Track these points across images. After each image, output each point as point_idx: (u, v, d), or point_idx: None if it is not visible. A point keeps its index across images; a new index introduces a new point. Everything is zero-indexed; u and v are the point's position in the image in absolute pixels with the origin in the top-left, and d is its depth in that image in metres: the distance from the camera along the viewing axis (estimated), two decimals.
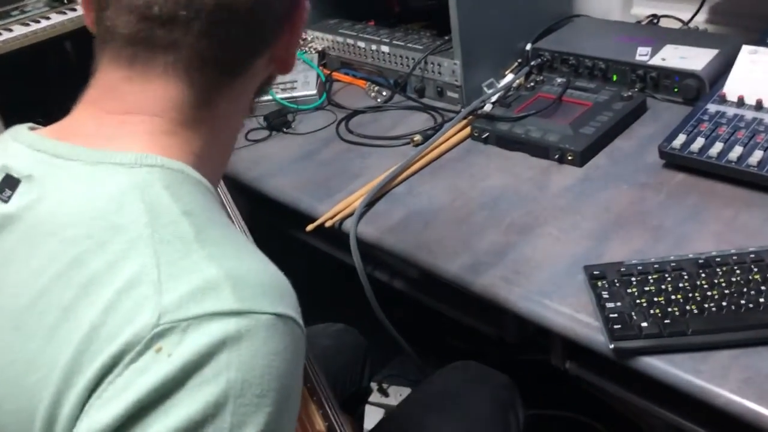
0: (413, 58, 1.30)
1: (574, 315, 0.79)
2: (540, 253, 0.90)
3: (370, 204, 1.04)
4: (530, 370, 1.14)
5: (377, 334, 1.02)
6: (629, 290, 0.79)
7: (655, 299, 0.77)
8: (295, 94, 1.34)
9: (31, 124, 0.57)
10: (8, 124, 0.60)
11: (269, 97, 1.32)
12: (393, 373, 1.66)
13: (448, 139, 1.17)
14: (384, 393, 1.66)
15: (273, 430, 0.44)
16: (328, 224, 1.01)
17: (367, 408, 1.63)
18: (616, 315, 0.76)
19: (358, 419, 1.12)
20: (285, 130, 1.29)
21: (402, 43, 1.34)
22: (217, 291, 0.45)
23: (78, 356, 0.45)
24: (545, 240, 0.92)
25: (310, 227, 1.02)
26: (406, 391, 1.65)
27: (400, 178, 1.09)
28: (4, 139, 0.56)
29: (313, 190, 1.10)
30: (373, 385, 1.67)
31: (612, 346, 0.74)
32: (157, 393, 0.42)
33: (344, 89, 1.41)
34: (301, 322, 0.49)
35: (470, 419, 0.93)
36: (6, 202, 0.51)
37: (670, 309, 0.75)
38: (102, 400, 0.43)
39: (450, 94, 1.28)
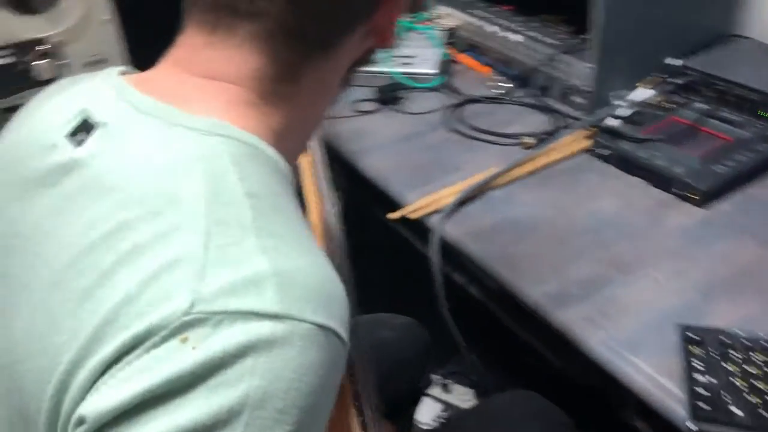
0: (544, 53, 1.21)
1: (656, 378, 0.71)
2: (635, 297, 0.81)
3: (462, 203, 0.97)
4: (594, 412, 1.05)
5: (446, 334, 0.97)
6: (727, 365, 0.69)
7: (757, 384, 0.67)
8: (412, 69, 1.28)
9: (123, 68, 0.55)
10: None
11: (386, 69, 1.27)
12: (458, 370, 1.61)
13: (563, 148, 1.08)
14: (446, 389, 1.62)
15: None
16: (411, 216, 0.96)
17: (426, 400, 1.60)
18: (705, 391, 0.67)
19: (407, 420, 1.08)
20: (394, 106, 1.24)
21: (535, 35, 1.24)
22: (261, 288, 0.41)
23: (104, 326, 0.42)
24: (645, 283, 0.83)
25: (392, 215, 0.98)
26: (467, 392, 1.60)
27: (501, 181, 1.02)
28: (96, 80, 0.54)
29: (407, 175, 1.05)
30: (437, 378, 1.62)
31: (692, 426, 0.65)
32: (170, 386, 0.39)
33: (465, 73, 1.34)
34: (345, 336, 0.44)
35: None
36: (78, 145, 0.49)
37: None
38: (115, 379, 0.41)
39: (575, 98, 1.18)
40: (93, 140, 0.49)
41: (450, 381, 1.62)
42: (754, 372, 0.68)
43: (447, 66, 1.32)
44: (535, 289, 0.83)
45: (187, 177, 0.45)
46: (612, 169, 1.04)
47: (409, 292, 1.21)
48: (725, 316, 0.77)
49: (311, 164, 0.88)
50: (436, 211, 0.96)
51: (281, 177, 0.50)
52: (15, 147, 0.53)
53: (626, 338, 0.75)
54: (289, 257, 0.44)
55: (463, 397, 1.59)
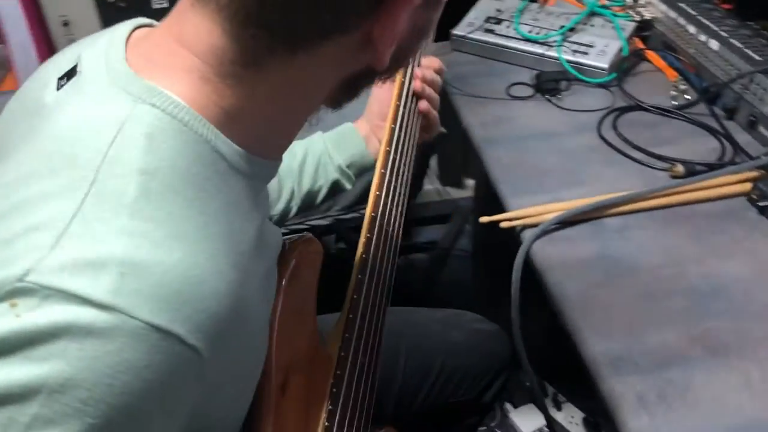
0: (741, 68, 1.01)
1: None
2: (709, 390, 0.67)
3: (564, 224, 0.87)
4: None
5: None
6: None
7: None
8: (583, 60, 1.15)
9: (139, 22, 0.54)
10: None
11: (554, 54, 1.16)
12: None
13: (717, 187, 0.91)
14: (556, 405, 1.51)
15: None
16: (503, 225, 0.88)
17: (532, 410, 1.51)
18: None
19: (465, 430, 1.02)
20: (549, 97, 1.12)
21: (738, 45, 1.04)
22: (99, 273, 0.39)
23: None
24: (732, 376, 0.68)
25: (483, 219, 0.90)
26: (577, 415, 1.48)
27: (622, 209, 0.89)
28: (109, 30, 0.54)
29: (523, 178, 0.96)
30: (551, 390, 1.52)
31: None
32: None
33: (647, 74, 1.17)
34: (200, 345, 0.41)
35: None
36: (58, 89, 0.49)
37: None
38: None
39: (763, 130, 0.98)
40: (66, 87, 0.49)
41: (563, 398, 1.51)
42: None
43: (624, 63, 1.16)
44: (598, 344, 0.72)
45: (94, 141, 0.43)
46: (766, 225, 0.85)
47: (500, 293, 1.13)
48: None
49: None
50: (533, 225, 0.87)
51: (213, 159, 0.46)
52: (35, 78, 0.55)
53: None
54: (155, 247, 0.40)
55: (571, 419, 1.48)
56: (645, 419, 0.65)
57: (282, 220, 0.88)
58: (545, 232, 0.86)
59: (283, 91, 0.47)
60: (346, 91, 0.52)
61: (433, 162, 2.01)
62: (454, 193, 2.01)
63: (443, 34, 1.28)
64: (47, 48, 1.17)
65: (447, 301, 1.10)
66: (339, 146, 0.91)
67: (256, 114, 0.48)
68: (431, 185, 1.94)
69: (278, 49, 0.45)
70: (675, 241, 0.84)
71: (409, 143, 0.82)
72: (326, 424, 0.64)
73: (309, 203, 0.89)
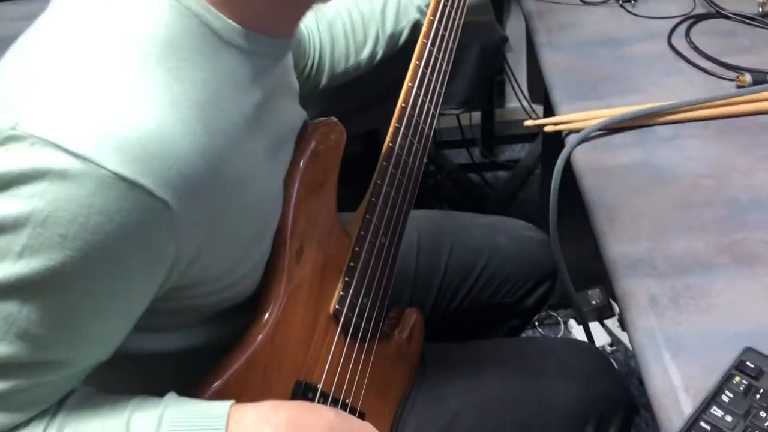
0: None
1: (675, 388, 0.59)
2: (728, 297, 0.66)
3: (612, 130, 0.85)
4: None
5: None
6: (762, 413, 0.55)
7: None
8: None
9: None
10: None
11: None
12: None
13: None
14: (622, 324, 1.50)
15: (72, 274, 0.45)
16: (547, 129, 0.87)
17: (598, 327, 1.51)
18: (708, 427, 0.55)
19: (507, 333, 1.04)
20: (623, 3, 1.07)
21: None
22: (78, 126, 0.43)
23: None
24: (754, 284, 0.66)
25: (528, 122, 0.89)
26: None
27: (675, 117, 0.85)
28: None
29: (578, 83, 0.94)
30: (617, 308, 1.51)
31: None
32: None
33: None
34: (165, 196, 0.45)
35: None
36: None
37: None
38: None
39: None
40: None
41: None
42: None
43: None
44: (620, 247, 0.72)
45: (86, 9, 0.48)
46: None
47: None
48: None
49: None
50: (578, 131, 0.86)
51: (202, 32, 0.49)
52: None
53: (677, 336, 0.63)
54: (129, 107, 0.45)
55: None
56: (652, 319, 0.65)
57: (370, 63, 0.90)
58: (589, 138, 0.85)
59: None
60: None
61: (523, 77, 1.97)
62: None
63: None
64: None
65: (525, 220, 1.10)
66: None
67: None
68: (519, 102, 1.90)
69: None
70: (725, 151, 0.81)
71: (450, 36, 0.82)
72: (341, 293, 0.69)
73: (393, 45, 0.91)
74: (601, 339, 1.51)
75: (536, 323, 1.56)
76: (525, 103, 1.89)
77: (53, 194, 0.43)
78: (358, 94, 1.01)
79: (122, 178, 0.44)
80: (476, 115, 2.01)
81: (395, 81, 0.78)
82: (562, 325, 1.56)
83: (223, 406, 0.53)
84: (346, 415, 0.59)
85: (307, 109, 0.71)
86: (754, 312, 0.64)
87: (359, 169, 0.87)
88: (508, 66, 1.88)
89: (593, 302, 1.51)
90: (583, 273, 1.36)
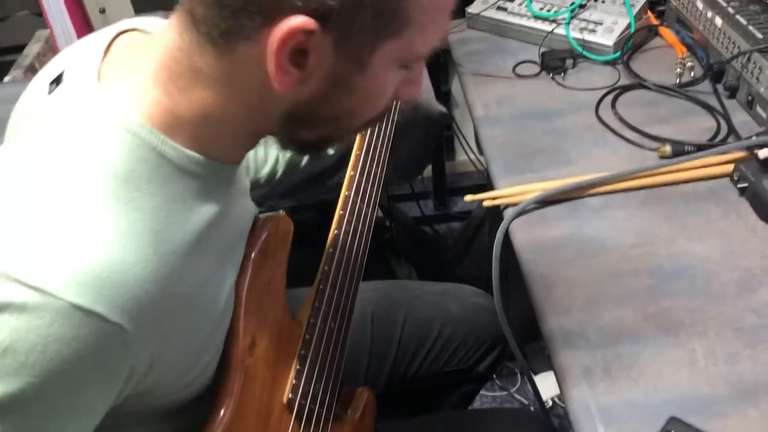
0: (740, 47, 1.01)
1: None
2: (655, 366, 0.71)
3: (546, 203, 0.91)
4: None
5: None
6: None
7: None
8: (590, 38, 1.16)
9: (124, 26, 0.61)
10: None
11: (562, 32, 1.17)
12: None
13: (703, 168, 0.92)
14: None
15: (31, 398, 0.47)
16: (486, 204, 0.93)
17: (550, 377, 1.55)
18: None
19: (459, 402, 1.08)
20: (554, 76, 1.15)
21: (743, 22, 1.03)
22: (37, 260, 0.46)
23: None
24: (678, 354, 0.72)
25: (468, 198, 0.95)
26: None
27: (603, 189, 0.92)
28: (94, 36, 0.61)
29: (513, 156, 1.00)
30: None
31: None
32: None
33: (657, 51, 1.18)
34: (120, 320, 0.48)
35: None
36: (49, 94, 0.57)
37: None
38: None
39: (760, 111, 0.98)
40: (55, 92, 0.57)
41: None
42: None
43: (630, 40, 1.16)
44: (555, 319, 0.77)
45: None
46: (745, 208, 0.87)
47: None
48: (743, 430, 0.64)
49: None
50: (515, 204, 0.91)
51: (157, 163, 0.53)
52: (36, 81, 0.64)
53: (609, 406, 0.68)
54: (85, 240, 0.48)
55: None
56: (585, 390, 0.70)
57: (269, 181, 0.93)
58: (524, 211, 0.90)
59: (217, 89, 0.53)
60: (301, 131, 0.58)
61: (470, 131, 2.04)
62: None
63: (460, 11, 1.31)
64: (87, 32, 1.27)
65: (478, 270, 1.13)
66: None
67: (201, 115, 0.54)
68: (467, 155, 1.97)
69: (207, 43, 0.50)
70: (650, 221, 0.87)
71: (386, 124, 0.87)
72: (294, 382, 0.72)
73: (293, 168, 0.93)
74: (556, 388, 1.55)
75: (494, 375, 1.60)
76: (473, 156, 1.96)
77: (13, 326, 0.46)
78: (304, 171, 1.05)
79: (78, 308, 0.46)
80: (427, 169, 2.07)
81: (340, 158, 0.82)
82: (518, 375, 1.60)
83: None
84: None
85: (255, 190, 0.74)
86: (679, 380, 0.69)
87: (312, 233, 0.90)
88: (455, 122, 1.95)
89: (546, 352, 1.55)
90: (536, 324, 1.40)
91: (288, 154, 0.92)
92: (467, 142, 1.93)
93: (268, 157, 0.91)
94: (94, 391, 0.51)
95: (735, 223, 0.85)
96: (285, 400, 0.71)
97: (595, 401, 0.68)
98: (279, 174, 0.92)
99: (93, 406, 0.52)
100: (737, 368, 0.69)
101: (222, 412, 0.65)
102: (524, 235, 0.88)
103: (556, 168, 0.97)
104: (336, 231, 0.80)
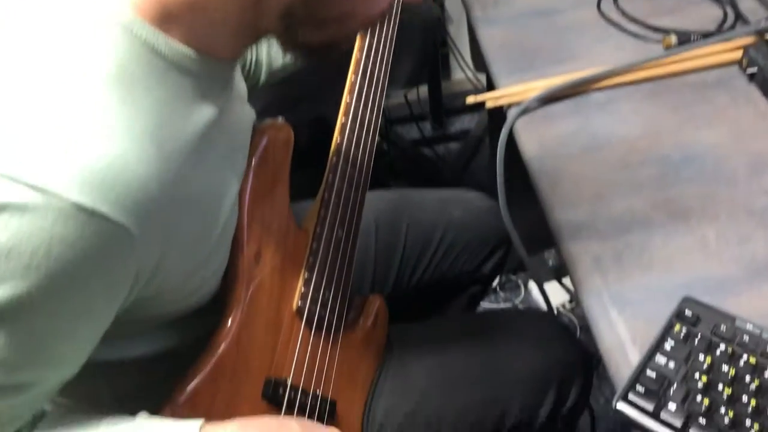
0: None
1: (623, 342, 0.64)
2: (667, 252, 0.70)
3: (551, 100, 0.89)
4: None
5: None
6: (701, 356, 0.59)
7: (721, 386, 0.57)
8: None
9: None
10: None
11: None
12: None
13: (708, 56, 0.90)
14: None
15: (37, 301, 0.46)
16: (488, 105, 0.90)
17: (556, 286, 1.56)
18: (653, 375, 0.59)
19: (464, 306, 1.08)
20: None
21: None
22: (36, 159, 0.45)
23: None
24: (690, 240, 0.71)
25: (470, 99, 0.92)
26: None
27: (608, 82, 0.89)
28: None
29: (515, 56, 0.97)
30: None
31: (615, 404, 0.59)
32: None
33: None
34: (124, 221, 0.47)
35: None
36: None
37: (725, 410, 0.56)
38: None
39: None
40: None
41: None
42: (728, 374, 0.57)
43: None
44: (563, 212, 0.76)
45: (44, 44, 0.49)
46: (754, 93, 0.85)
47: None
48: (758, 306, 0.64)
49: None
50: (518, 104, 0.89)
51: (149, 59, 0.50)
52: None
53: (621, 292, 0.67)
54: (83, 138, 0.46)
55: None
56: (597, 279, 0.69)
57: (253, 87, 0.89)
58: (528, 110, 0.88)
59: None
60: (301, 31, 0.55)
61: (466, 48, 1.99)
62: None
63: None
64: None
65: (479, 189, 1.12)
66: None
67: (192, 5, 0.51)
68: (464, 73, 1.93)
69: None
70: (657, 112, 0.85)
71: (389, 23, 0.84)
72: (302, 290, 0.71)
73: (277, 72, 0.90)
74: (560, 297, 1.56)
75: (497, 288, 1.61)
76: (470, 74, 1.92)
77: (14, 227, 0.44)
78: (302, 83, 1.02)
79: (81, 208, 0.45)
80: (424, 90, 2.03)
81: (339, 69, 0.79)
82: (522, 287, 1.61)
83: (192, 430, 0.54)
84: (312, 425, 0.61)
85: (253, 102, 0.72)
86: (691, 263, 0.69)
87: (313, 154, 0.88)
88: (451, 39, 1.90)
89: (550, 262, 1.56)
90: (538, 234, 1.40)
91: (272, 59, 0.90)
92: (463, 59, 1.89)
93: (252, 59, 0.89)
94: (101, 295, 0.50)
95: (744, 110, 0.83)
96: (294, 307, 0.71)
97: (607, 288, 0.68)
98: (262, 79, 0.89)
99: (100, 310, 0.52)
100: (750, 249, 0.69)
101: (230, 321, 0.64)
102: (529, 133, 0.86)
103: (558, 66, 0.94)
104: (339, 139, 0.78)
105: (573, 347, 0.90)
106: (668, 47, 0.92)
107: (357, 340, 0.80)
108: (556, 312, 1.55)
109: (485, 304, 1.59)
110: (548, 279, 1.56)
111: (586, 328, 1.52)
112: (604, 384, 1.42)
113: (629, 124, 0.84)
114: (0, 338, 0.48)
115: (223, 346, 0.63)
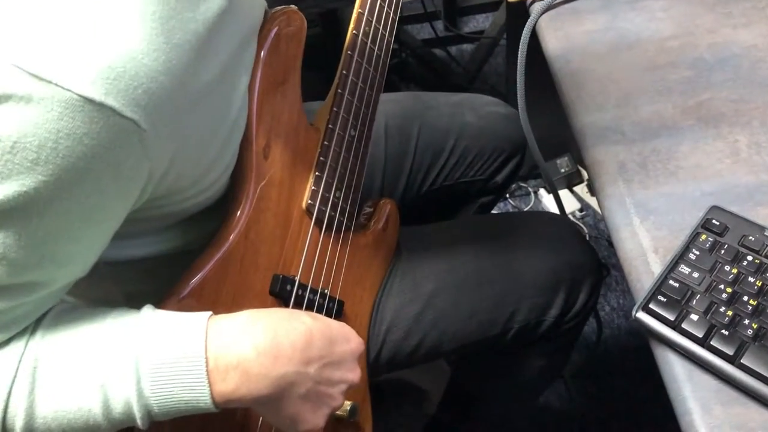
0: None
1: (645, 250, 0.61)
2: (695, 158, 0.67)
3: None
4: None
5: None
6: (727, 266, 0.57)
7: (745, 298, 0.55)
8: None
9: None
10: None
11: None
12: None
13: None
14: (592, 190, 1.53)
15: (46, 198, 0.44)
16: None
17: (568, 194, 1.54)
18: (675, 284, 0.57)
19: (479, 210, 1.06)
20: None
21: None
22: (41, 49, 0.42)
23: None
24: (720, 145, 0.67)
25: None
26: None
27: None
28: None
29: None
30: (586, 174, 1.54)
31: (635, 313, 0.57)
32: None
33: None
34: (133, 116, 0.44)
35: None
36: None
37: (749, 322, 0.54)
38: None
39: None
40: None
41: None
42: (754, 285, 0.55)
43: None
44: (587, 116, 0.72)
45: None
46: None
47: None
48: None
49: None
50: None
51: None
52: None
53: (645, 200, 0.65)
54: (89, 28, 0.43)
55: None
56: (621, 185, 0.66)
57: None
58: (553, 5, 0.83)
59: None
60: None
61: None
62: None
63: None
64: None
65: (491, 93, 1.07)
66: None
67: None
68: None
69: None
70: (690, 10, 0.80)
71: None
72: (313, 188, 0.69)
73: None
74: (571, 205, 1.54)
75: (507, 195, 1.59)
76: None
77: (19, 119, 0.41)
78: None
79: (89, 100, 0.42)
80: None
81: None
82: (532, 195, 1.59)
83: (201, 321, 0.53)
84: (323, 318, 0.60)
85: None
86: (720, 171, 0.66)
87: (319, 54, 0.84)
88: None
89: (562, 170, 1.53)
90: (550, 142, 1.37)
91: None
92: None
93: None
94: (112, 193, 0.47)
95: None
96: (304, 205, 0.68)
97: (630, 195, 0.65)
98: None
99: (111, 208, 0.49)
100: None
101: (239, 213, 0.62)
102: (553, 31, 0.81)
103: None
104: (354, 31, 0.73)
105: (584, 250, 0.88)
106: None
107: (367, 242, 0.78)
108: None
109: (494, 211, 1.57)
110: (560, 187, 1.54)
111: (595, 238, 1.51)
112: (610, 294, 1.43)
113: (660, 23, 0.79)
114: (8, 237, 0.46)
115: (230, 239, 0.61)
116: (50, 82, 0.41)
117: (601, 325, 1.11)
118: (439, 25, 1.99)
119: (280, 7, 0.66)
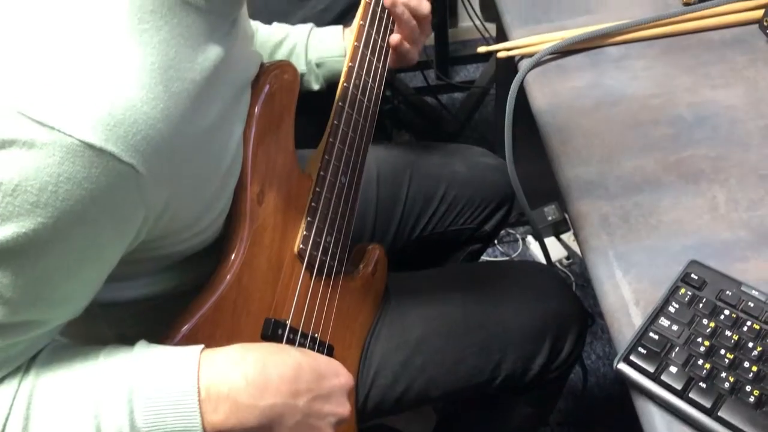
0: None
1: (626, 303, 0.63)
2: (675, 213, 0.69)
3: (564, 53, 0.86)
4: None
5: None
6: (705, 320, 0.59)
7: (723, 352, 0.57)
8: None
9: None
10: None
11: None
12: None
13: (729, 13, 0.87)
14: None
15: (44, 240, 0.46)
16: (500, 55, 0.88)
17: (554, 242, 1.56)
18: (655, 337, 0.59)
19: (468, 257, 1.08)
20: None
21: None
22: (45, 96, 0.44)
23: None
24: (699, 201, 0.70)
25: (481, 49, 0.90)
26: None
27: (624, 37, 0.87)
28: None
29: (529, 5, 0.94)
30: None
31: (617, 365, 0.59)
32: None
33: None
34: (132, 161, 0.46)
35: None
36: None
37: (726, 375, 0.55)
38: None
39: None
40: None
41: None
42: (731, 339, 0.57)
43: None
44: (572, 169, 0.75)
45: None
46: None
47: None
48: (765, 272, 0.63)
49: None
50: (531, 56, 0.87)
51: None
52: None
53: (627, 253, 0.67)
54: (92, 75, 0.45)
55: None
56: (603, 238, 0.68)
57: None
58: (541, 62, 0.86)
59: None
60: None
61: None
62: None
63: None
64: None
65: (480, 141, 1.11)
66: (319, 42, 0.88)
67: None
68: (471, 21, 1.88)
69: None
70: (671, 70, 0.83)
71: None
72: (304, 233, 0.70)
73: None
74: (557, 253, 1.56)
75: (495, 241, 1.61)
76: (478, 22, 1.87)
77: (21, 163, 0.43)
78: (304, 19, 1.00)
79: (89, 146, 0.44)
80: (430, 37, 1.98)
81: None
82: (520, 241, 1.61)
83: (193, 353, 0.54)
84: (312, 353, 0.61)
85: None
86: (699, 226, 0.68)
87: (312, 99, 0.86)
88: None
89: (549, 218, 1.55)
90: (538, 190, 1.40)
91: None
92: (472, 7, 1.85)
93: None
94: (109, 235, 0.49)
95: (762, 71, 0.81)
96: (296, 250, 0.70)
97: (613, 248, 0.67)
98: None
99: (107, 251, 0.51)
100: (759, 214, 0.68)
101: (232, 257, 0.64)
102: (541, 86, 0.84)
103: (574, 17, 0.91)
104: (345, 84, 0.75)
105: (570, 300, 0.90)
106: (687, 3, 0.89)
107: (356, 287, 0.80)
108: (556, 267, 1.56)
109: (483, 257, 1.59)
110: (547, 235, 1.56)
111: (581, 286, 1.53)
112: (596, 343, 1.44)
113: (643, 81, 0.82)
114: (6, 277, 0.47)
115: (224, 284, 0.62)
116: (53, 128, 0.43)
117: (587, 373, 1.12)
118: (431, 73, 2.04)
119: (275, 61, 0.69)
